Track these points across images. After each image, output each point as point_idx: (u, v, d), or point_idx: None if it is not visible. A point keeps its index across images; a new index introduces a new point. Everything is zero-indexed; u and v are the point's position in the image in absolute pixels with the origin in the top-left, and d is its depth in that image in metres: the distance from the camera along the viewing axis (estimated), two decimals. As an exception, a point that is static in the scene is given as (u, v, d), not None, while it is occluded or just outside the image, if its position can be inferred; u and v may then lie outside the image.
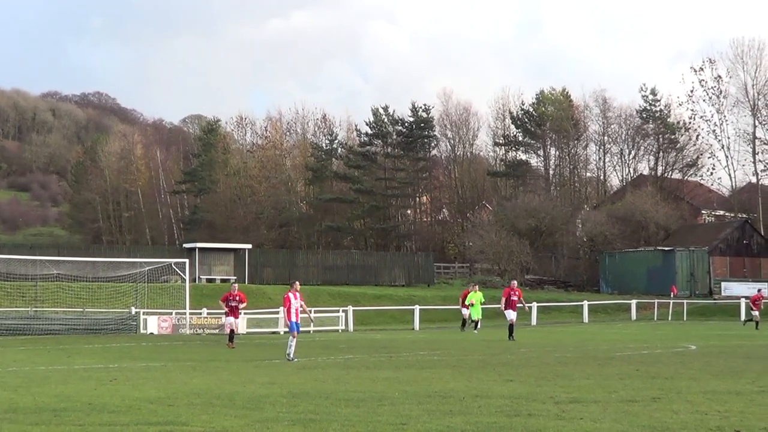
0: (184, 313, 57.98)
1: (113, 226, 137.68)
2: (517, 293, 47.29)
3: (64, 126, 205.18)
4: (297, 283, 32.88)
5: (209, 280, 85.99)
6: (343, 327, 63.59)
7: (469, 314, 55.14)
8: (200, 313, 61.16)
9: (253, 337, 53.77)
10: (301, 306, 32.05)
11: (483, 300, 55.34)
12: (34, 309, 58.93)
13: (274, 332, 59.59)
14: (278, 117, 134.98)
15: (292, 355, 30.86)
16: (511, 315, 45.99)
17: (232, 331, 40.87)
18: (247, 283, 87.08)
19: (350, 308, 65.88)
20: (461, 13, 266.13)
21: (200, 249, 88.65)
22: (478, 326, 54.01)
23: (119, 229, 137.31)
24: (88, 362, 31.01)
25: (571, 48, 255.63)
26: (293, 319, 31.48)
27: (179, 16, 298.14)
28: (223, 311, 42.57)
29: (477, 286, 56.99)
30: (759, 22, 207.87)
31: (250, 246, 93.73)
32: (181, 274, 60.28)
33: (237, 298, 40.83)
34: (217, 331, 57.83)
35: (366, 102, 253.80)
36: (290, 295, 31.75)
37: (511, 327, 45.57)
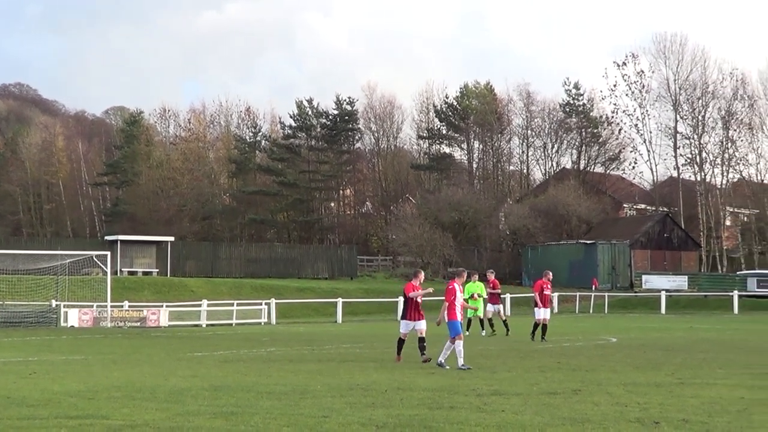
0: (106, 306, 57.46)
1: (34, 218, 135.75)
2: (550, 288, 38.84)
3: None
4: (465, 272, 26.16)
5: (131, 273, 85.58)
6: (266, 320, 63.42)
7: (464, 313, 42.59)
8: (122, 306, 60.68)
9: (176, 330, 53.51)
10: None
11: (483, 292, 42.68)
12: (-49, 302, 58.16)
13: (196, 325, 59.31)
14: (201, 109, 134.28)
15: (461, 362, 23.88)
16: (542, 314, 37.62)
17: (420, 339, 26.51)
18: (169, 276, 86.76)
19: (273, 301, 65.69)
20: (399, 6, 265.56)
21: (122, 241, 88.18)
22: (483, 327, 43.09)
23: (40, 221, 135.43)
24: (7, 356, 30.64)
25: (511, 43, 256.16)
26: (458, 318, 24.54)
27: (111, 6, 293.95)
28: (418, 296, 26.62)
29: (477, 276, 42.69)
30: (687, 16, 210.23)
31: (172, 238, 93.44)
32: (103, 266, 59.71)
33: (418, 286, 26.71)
34: (138, 324, 57.46)
35: (302, 95, 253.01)
36: (456, 285, 24.86)
37: (536, 326, 37.73)
